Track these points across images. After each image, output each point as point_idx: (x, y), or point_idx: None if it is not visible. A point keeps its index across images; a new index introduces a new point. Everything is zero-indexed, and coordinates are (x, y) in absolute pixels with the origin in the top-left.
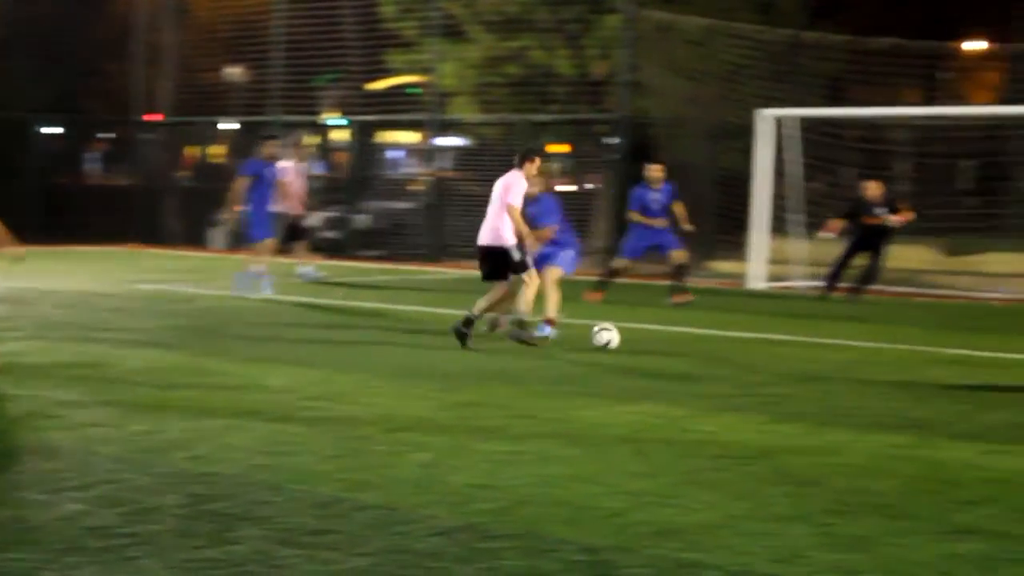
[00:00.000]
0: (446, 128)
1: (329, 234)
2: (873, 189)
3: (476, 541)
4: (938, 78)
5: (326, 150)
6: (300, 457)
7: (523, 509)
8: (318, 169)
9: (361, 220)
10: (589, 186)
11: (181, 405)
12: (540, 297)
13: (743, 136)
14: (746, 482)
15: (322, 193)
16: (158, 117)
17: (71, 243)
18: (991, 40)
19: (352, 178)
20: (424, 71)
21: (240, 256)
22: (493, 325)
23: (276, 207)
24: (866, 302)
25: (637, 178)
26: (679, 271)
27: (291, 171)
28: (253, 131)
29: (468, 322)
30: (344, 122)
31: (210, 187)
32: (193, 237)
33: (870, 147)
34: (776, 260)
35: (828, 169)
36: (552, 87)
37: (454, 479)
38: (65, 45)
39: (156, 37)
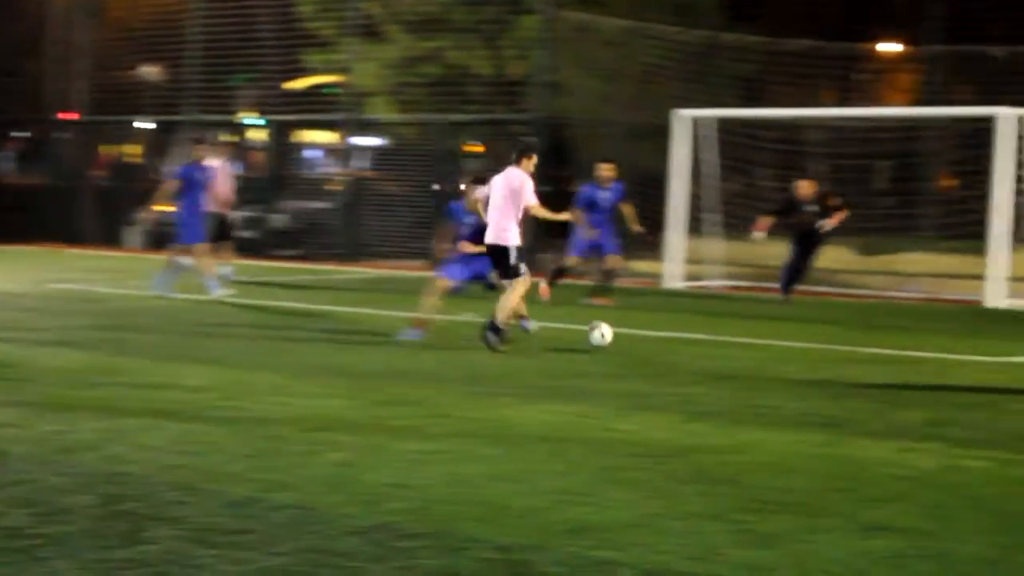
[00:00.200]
0: (363, 128)
1: (246, 234)
2: (805, 188)
3: (391, 540)
4: (853, 79)
5: (243, 149)
6: (214, 457)
7: (439, 508)
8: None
9: (278, 220)
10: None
11: (94, 405)
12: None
13: (660, 136)
14: (662, 480)
15: (239, 193)
16: (73, 116)
17: None
18: (906, 42)
19: (269, 178)
20: (342, 71)
21: (163, 256)
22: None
23: (207, 208)
24: (779, 301)
25: (554, 178)
26: (608, 275)
27: (219, 171)
28: (169, 130)
29: (495, 329)
30: (261, 122)
31: (126, 186)
32: (109, 237)
33: (786, 148)
34: (692, 260)
35: (744, 169)
36: (470, 87)
37: (370, 478)
38: None
39: (71, 35)
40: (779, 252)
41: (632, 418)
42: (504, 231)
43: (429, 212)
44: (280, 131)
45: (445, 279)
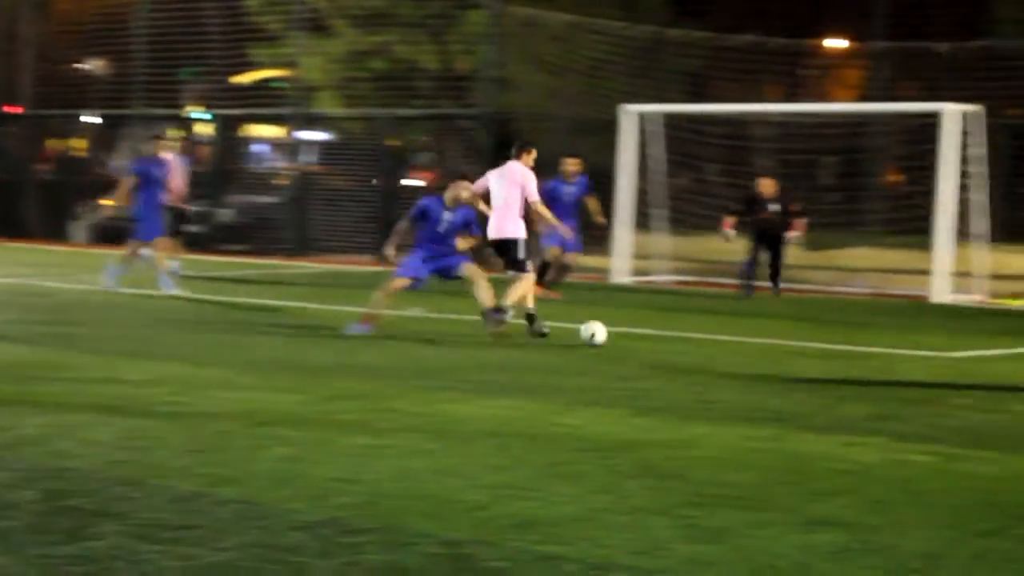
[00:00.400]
0: (310, 122)
1: (192, 228)
2: (767, 186)
3: (337, 535)
4: (799, 75)
5: (190, 144)
6: (160, 452)
7: (385, 503)
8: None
9: (225, 214)
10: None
11: (38, 400)
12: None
13: (607, 132)
14: (607, 475)
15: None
16: (18, 110)
17: None
18: (851, 38)
19: (215, 172)
20: (288, 65)
21: (113, 250)
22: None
23: (165, 202)
24: (727, 296)
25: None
26: (563, 270)
27: (174, 166)
28: (115, 124)
29: (530, 318)
30: (207, 116)
31: (72, 180)
32: (54, 231)
33: (733, 143)
34: (640, 255)
35: (692, 165)
36: (417, 82)
37: (316, 473)
38: None
39: (16, 28)
40: (727, 248)
41: (579, 413)
42: (508, 225)
43: (376, 207)
44: (227, 125)
45: (403, 279)
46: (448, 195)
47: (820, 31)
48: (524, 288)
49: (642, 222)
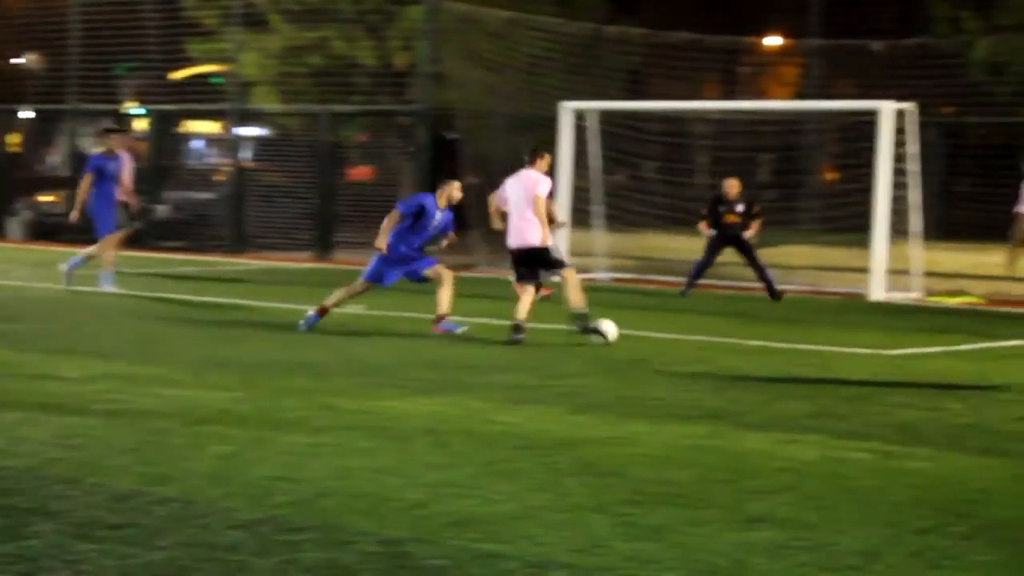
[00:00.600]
0: (247, 118)
1: (137, 224)
2: (733, 187)
3: (275, 534)
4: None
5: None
6: (97, 450)
7: (323, 501)
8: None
9: (160, 210)
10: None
11: None
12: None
13: (546, 128)
14: (546, 473)
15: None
16: None
17: None
18: (788, 36)
19: (150, 168)
20: (225, 60)
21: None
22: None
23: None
24: (665, 294)
25: (438, 170)
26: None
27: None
28: (51, 119)
29: (581, 317)
30: (142, 111)
31: (6, 176)
32: None
33: (671, 140)
34: (578, 252)
35: (629, 162)
36: (354, 78)
37: (254, 472)
38: None
39: None
40: (665, 245)
41: (517, 410)
42: (531, 233)
43: (314, 204)
44: (163, 121)
45: (368, 284)
46: (442, 195)
47: (757, 28)
48: (575, 284)
49: (580, 219)
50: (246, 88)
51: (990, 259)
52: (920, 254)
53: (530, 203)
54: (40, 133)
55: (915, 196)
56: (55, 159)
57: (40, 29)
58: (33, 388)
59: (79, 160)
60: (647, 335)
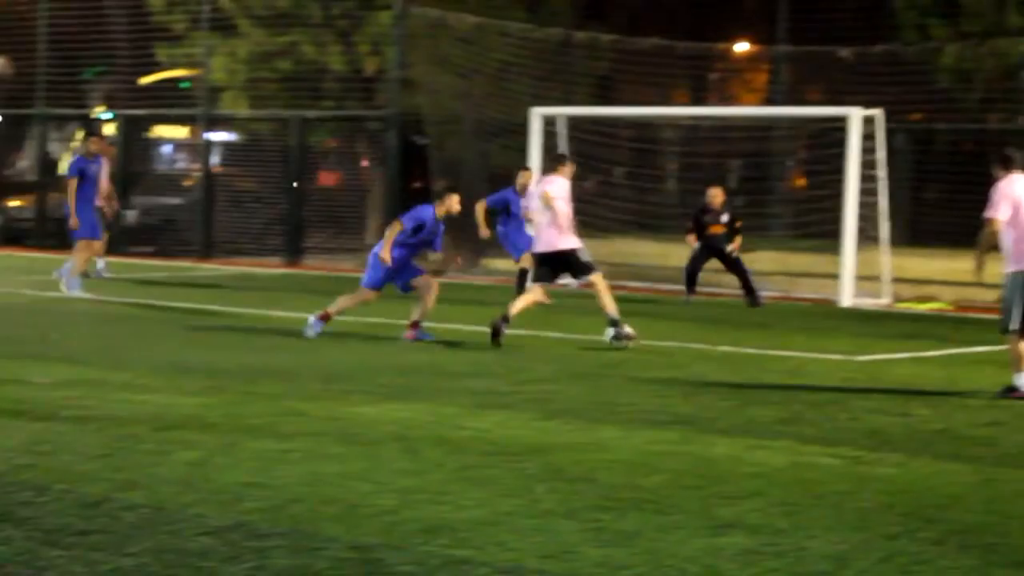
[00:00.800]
0: (216, 123)
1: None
2: (717, 196)
3: (245, 540)
4: (707, 78)
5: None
6: (66, 456)
7: (293, 507)
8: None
9: (129, 216)
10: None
11: None
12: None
13: (515, 134)
14: (516, 479)
15: None
16: None
17: None
18: (757, 42)
19: (120, 173)
20: (194, 65)
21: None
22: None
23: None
24: (634, 300)
25: (408, 175)
26: (524, 275)
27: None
28: (18, 124)
29: (614, 323)
30: (109, 116)
31: None
32: None
33: (640, 146)
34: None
35: (599, 168)
36: (324, 83)
37: (223, 477)
38: None
39: None
40: (634, 251)
41: (487, 416)
42: (559, 238)
43: (283, 209)
44: (132, 126)
45: (374, 293)
46: (441, 207)
47: (726, 35)
48: (605, 290)
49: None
50: (215, 93)
51: (958, 265)
52: (889, 260)
53: (563, 205)
54: (8, 138)
55: (884, 202)
56: (23, 164)
57: (8, 33)
58: (1, 394)
59: (47, 165)
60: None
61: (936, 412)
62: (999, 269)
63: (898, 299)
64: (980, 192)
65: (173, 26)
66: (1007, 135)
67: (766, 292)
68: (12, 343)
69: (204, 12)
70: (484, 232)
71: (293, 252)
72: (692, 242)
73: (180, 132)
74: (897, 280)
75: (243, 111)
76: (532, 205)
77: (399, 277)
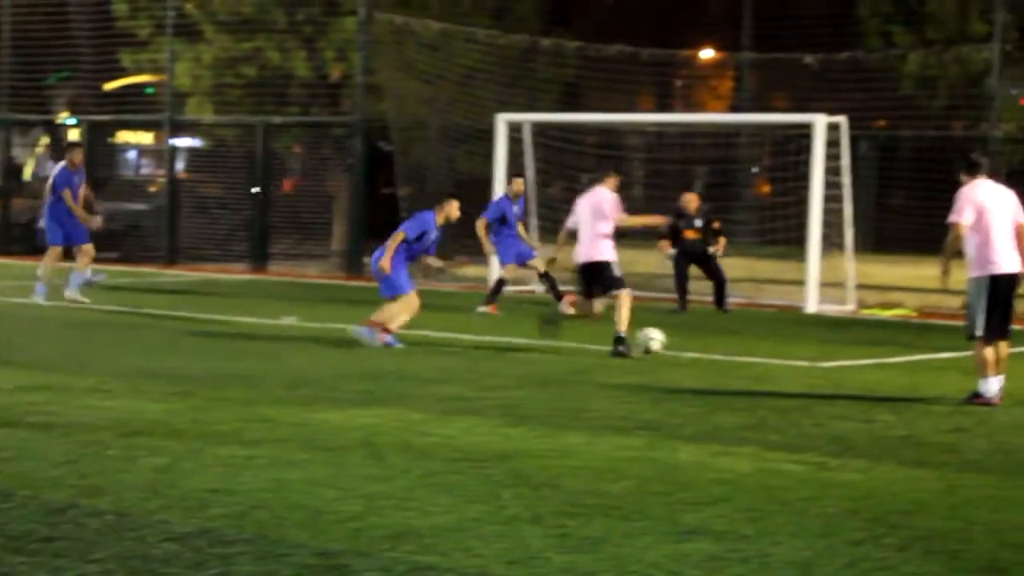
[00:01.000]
0: (180, 129)
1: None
2: (692, 201)
3: (210, 546)
4: (672, 85)
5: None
6: (30, 462)
7: (258, 513)
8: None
9: (94, 222)
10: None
11: None
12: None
13: (482, 140)
14: (482, 485)
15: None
16: None
17: None
18: (723, 49)
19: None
20: (158, 71)
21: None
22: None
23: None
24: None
25: (374, 181)
26: (550, 278)
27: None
28: None
29: (619, 340)
30: (73, 121)
31: None
32: None
33: (606, 153)
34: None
35: (565, 174)
36: (289, 89)
37: (189, 484)
38: None
39: None
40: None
41: (453, 422)
42: (597, 249)
43: (248, 215)
44: (96, 131)
45: (414, 295)
46: (440, 213)
47: (690, 41)
48: (627, 308)
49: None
50: (180, 98)
51: (923, 272)
52: (854, 267)
53: (601, 220)
54: None
55: (848, 209)
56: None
57: None
58: None
59: (11, 170)
60: (584, 347)
61: (900, 418)
62: (964, 275)
63: (863, 305)
64: (944, 199)
65: (137, 31)
66: (971, 142)
67: (732, 298)
68: None
69: (168, 17)
70: (489, 249)
71: (258, 258)
72: (665, 248)
73: (145, 138)
74: (862, 287)
75: (208, 117)
76: (577, 216)
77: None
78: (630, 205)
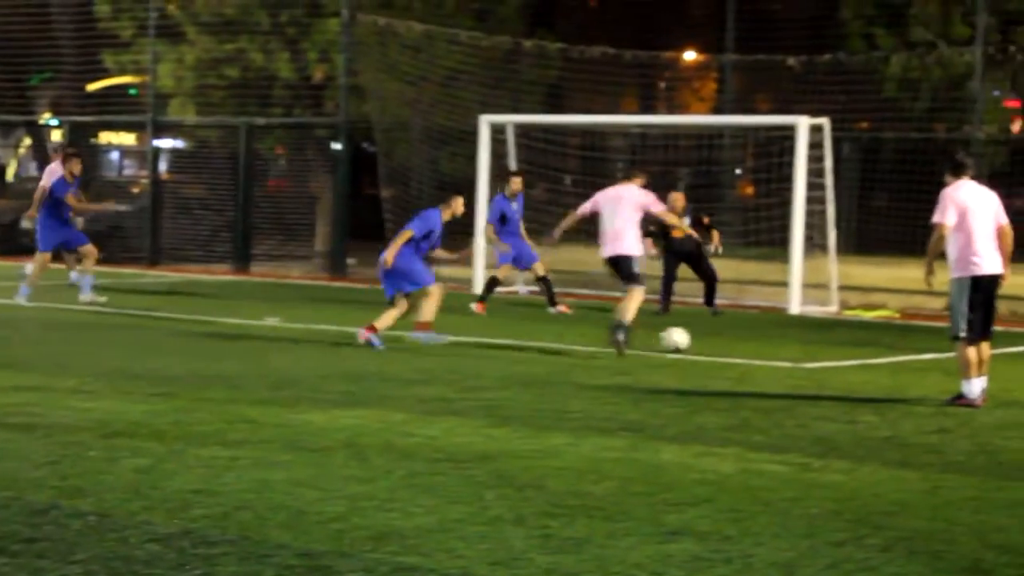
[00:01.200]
0: (163, 130)
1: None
2: (679, 201)
3: (193, 547)
4: (655, 87)
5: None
6: (12, 463)
7: (241, 514)
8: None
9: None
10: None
11: None
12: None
13: (465, 141)
14: (465, 486)
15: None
16: None
17: None
18: (706, 51)
19: None
20: (141, 72)
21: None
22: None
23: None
24: (583, 307)
25: (358, 182)
26: (545, 281)
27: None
28: None
29: (619, 326)
30: (55, 122)
31: None
32: None
33: (589, 154)
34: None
35: (548, 176)
36: (272, 90)
37: (171, 485)
38: None
39: None
40: (582, 259)
41: (436, 423)
42: (624, 244)
43: (231, 216)
44: (78, 132)
45: (433, 285)
46: (447, 210)
47: (673, 43)
48: (637, 301)
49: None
50: (162, 100)
51: (905, 273)
52: (836, 268)
53: (630, 218)
54: None
55: (831, 211)
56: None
57: None
58: None
59: None
60: (564, 348)
61: (883, 419)
62: (948, 276)
63: (845, 307)
64: (926, 200)
65: (120, 32)
66: (953, 144)
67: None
68: None
69: (151, 18)
70: (503, 248)
71: (241, 259)
72: (650, 248)
73: (127, 139)
74: (844, 288)
75: (191, 118)
76: (605, 212)
77: (396, 280)
78: None
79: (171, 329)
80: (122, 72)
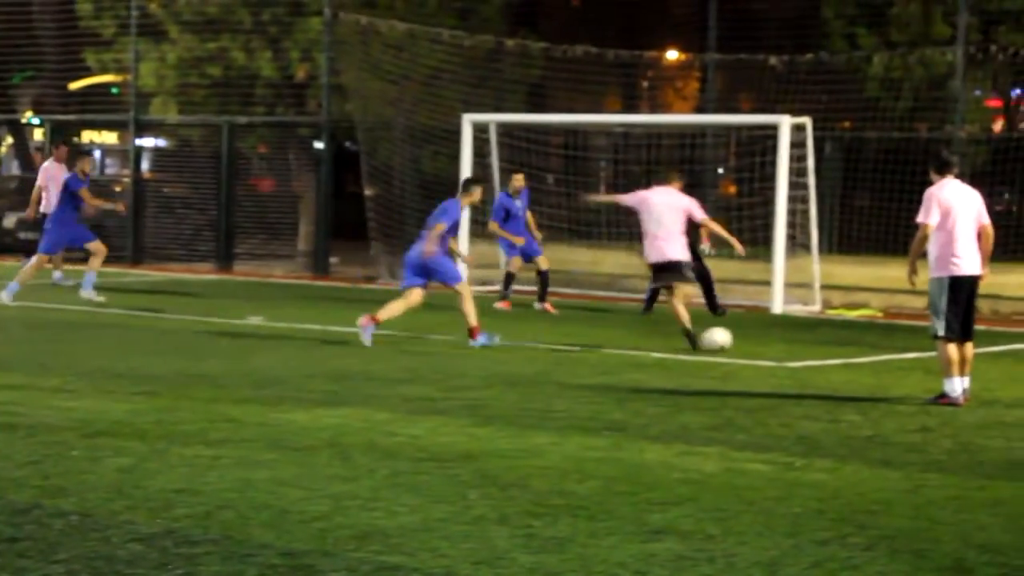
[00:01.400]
0: (145, 129)
1: (25, 236)
2: None
3: (175, 547)
4: (638, 86)
5: (24, 150)
6: None
7: (224, 514)
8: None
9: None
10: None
11: None
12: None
13: (448, 140)
14: (448, 485)
15: (17, 194)
16: None
17: None
18: (688, 50)
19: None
20: (123, 70)
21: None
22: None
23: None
24: (566, 306)
25: (340, 181)
26: (544, 277)
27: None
28: None
29: (687, 335)
30: (36, 121)
31: None
32: None
33: (572, 153)
34: (480, 264)
35: (530, 175)
36: (254, 89)
37: (153, 484)
38: None
39: None
40: (565, 258)
41: (419, 422)
42: (671, 249)
43: (214, 215)
44: (60, 131)
45: (461, 283)
46: (466, 200)
47: (656, 43)
48: (684, 299)
49: (480, 232)
50: (144, 99)
51: (888, 272)
52: (819, 267)
53: (674, 222)
54: None
55: (813, 210)
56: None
57: None
58: None
59: None
60: (547, 347)
61: (866, 418)
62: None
63: (828, 306)
64: (908, 199)
65: (101, 31)
66: (935, 143)
67: (697, 299)
68: None
69: (133, 17)
70: (520, 241)
71: (224, 258)
72: (704, 241)
73: (109, 137)
74: (827, 287)
75: (173, 117)
76: (651, 215)
77: (423, 274)
78: (597, 206)
79: (154, 328)
80: (104, 71)
